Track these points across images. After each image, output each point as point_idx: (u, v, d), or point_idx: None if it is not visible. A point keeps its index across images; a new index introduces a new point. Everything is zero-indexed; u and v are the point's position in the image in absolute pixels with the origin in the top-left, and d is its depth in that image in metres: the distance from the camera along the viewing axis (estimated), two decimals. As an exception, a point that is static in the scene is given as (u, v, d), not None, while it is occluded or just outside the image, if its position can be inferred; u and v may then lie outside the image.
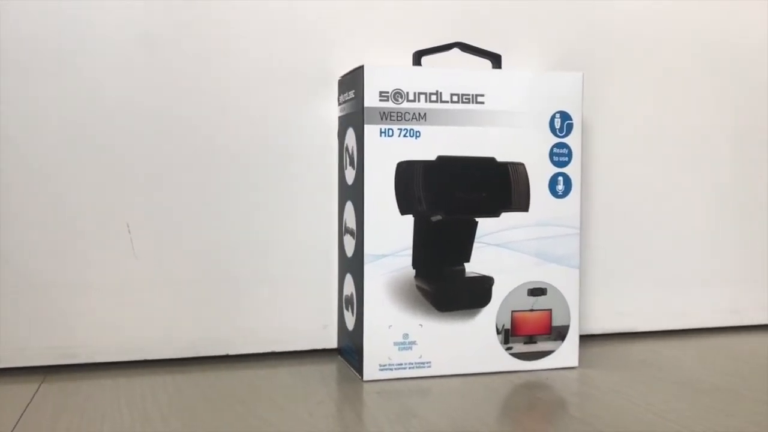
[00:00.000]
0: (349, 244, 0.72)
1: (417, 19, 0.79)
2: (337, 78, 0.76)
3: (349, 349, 0.73)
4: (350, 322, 0.72)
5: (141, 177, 0.72)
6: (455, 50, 0.74)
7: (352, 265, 0.71)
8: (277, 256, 0.76)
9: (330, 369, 0.73)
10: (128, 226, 0.72)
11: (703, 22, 0.88)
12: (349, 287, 0.72)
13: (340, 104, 0.75)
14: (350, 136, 0.71)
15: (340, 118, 0.76)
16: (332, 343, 0.78)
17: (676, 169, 0.88)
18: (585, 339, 0.85)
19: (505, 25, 0.81)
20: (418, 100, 0.68)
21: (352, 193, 0.71)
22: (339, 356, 0.77)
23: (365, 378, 0.68)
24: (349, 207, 0.72)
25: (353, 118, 0.70)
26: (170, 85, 0.73)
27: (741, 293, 0.92)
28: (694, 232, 0.90)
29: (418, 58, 0.73)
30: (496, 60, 0.75)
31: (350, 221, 0.72)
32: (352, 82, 0.70)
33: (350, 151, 0.71)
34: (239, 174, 0.75)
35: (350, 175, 0.72)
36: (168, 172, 0.73)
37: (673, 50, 0.87)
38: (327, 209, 0.77)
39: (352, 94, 0.71)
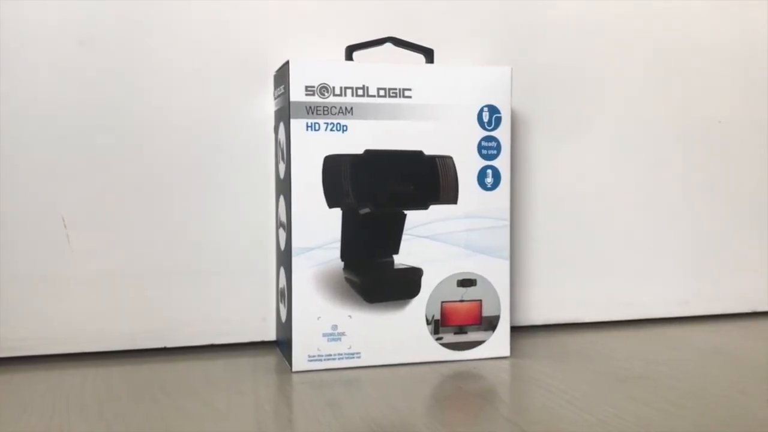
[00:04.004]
0: (282, 237, 0.73)
1: (353, 13, 0.79)
2: (273, 73, 0.77)
3: (283, 341, 0.74)
4: (283, 314, 0.73)
5: (76, 172, 0.73)
6: (388, 45, 0.75)
7: (284, 259, 0.72)
8: (215, 249, 0.77)
9: (265, 361, 0.74)
10: (64, 220, 0.73)
11: (643, 15, 0.89)
12: (283, 280, 0.73)
13: (275, 99, 0.76)
14: (281, 130, 0.72)
15: (275, 112, 0.76)
16: (271, 335, 0.79)
17: (621, 160, 0.89)
18: (527, 330, 0.86)
19: (439, 19, 0.82)
20: (345, 95, 0.69)
21: (283, 187, 0.72)
22: (277, 348, 0.78)
23: (294, 369, 0.69)
24: (282, 201, 0.73)
25: (283, 113, 0.71)
26: (108, 82, 0.74)
27: (690, 284, 0.93)
28: (640, 224, 0.90)
29: (349, 53, 0.74)
30: (428, 55, 0.76)
31: (282, 215, 0.73)
32: (282, 77, 0.71)
33: (281, 146, 0.72)
34: (177, 168, 0.76)
35: (282, 169, 0.73)
36: (104, 166, 0.74)
37: (612, 44, 0.88)
38: (264, 203, 0.78)
39: (282, 89, 0.71)
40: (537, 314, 0.87)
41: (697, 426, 0.54)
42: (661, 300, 0.92)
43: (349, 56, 0.74)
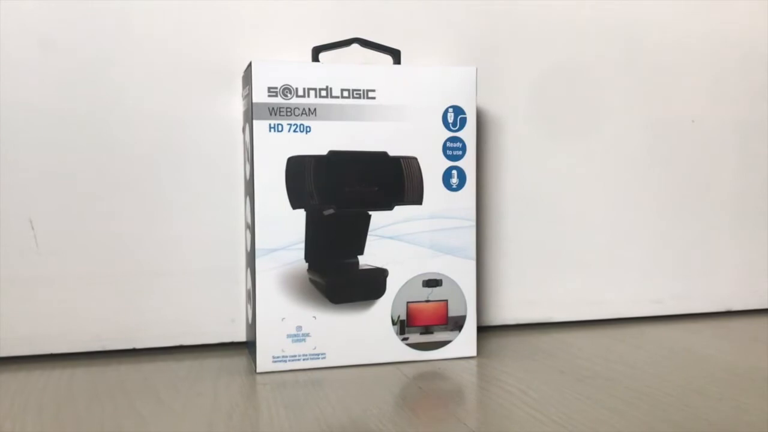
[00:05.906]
0: (249, 238, 0.73)
1: (322, 14, 0.79)
2: (241, 74, 0.77)
3: (250, 342, 0.74)
4: (250, 315, 0.73)
5: (44, 174, 0.74)
6: (355, 46, 0.75)
7: (250, 260, 0.72)
8: (184, 249, 0.77)
9: (233, 362, 0.74)
10: (31, 222, 0.74)
11: (616, 14, 0.88)
12: (249, 281, 0.73)
13: (243, 99, 0.76)
14: (247, 131, 0.72)
15: (243, 113, 0.77)
16: (240, 336, 0.79)
17: (593, 159, 0.89)
18: (498, 329, 0.86)
19: (407, 20, 0.82)
20: (308, 96, 0.69)
21: (248, 188, 0.72)
22: (246, 349, 0.78)
23: (258, 370, 0.69)
24: (248, 202, 0.73)
25: (248, 114, 0.71)
26: (76, 83, 0.74)
27: (663, 283, 0.93)
28: (613, 223, 0.90)
29: (316, 54, 0.74)
30: (395, 56, 0.76)
31: (249, 216, 0.73)
32: (247, 78, 0.71)
33: (247, 147, 0.72)
34: (146, 169, 0.76)
35: (248, 170, 0.73)
36: (71, 168, 0.74)
37: (584, 43, 0.88)
38: (234, 204, 0.78)
39: (247, 90, 0.72)
40: (509, 314, 0.87)
41: (643, 426, 0.54)
42: (634, 299, 0.92)
43: (315, 57, 0.74)
